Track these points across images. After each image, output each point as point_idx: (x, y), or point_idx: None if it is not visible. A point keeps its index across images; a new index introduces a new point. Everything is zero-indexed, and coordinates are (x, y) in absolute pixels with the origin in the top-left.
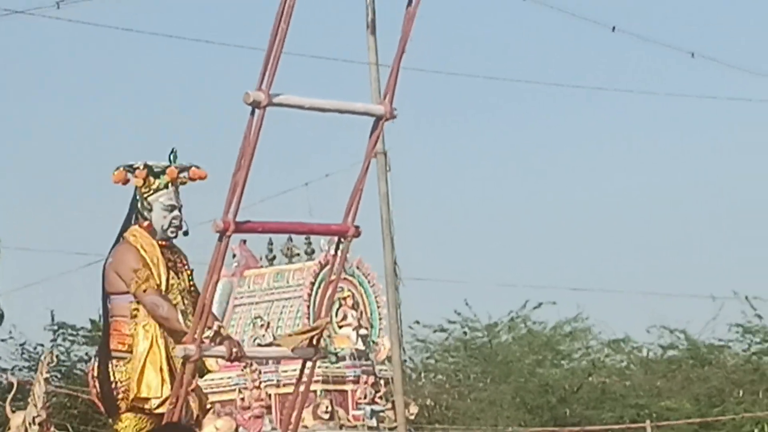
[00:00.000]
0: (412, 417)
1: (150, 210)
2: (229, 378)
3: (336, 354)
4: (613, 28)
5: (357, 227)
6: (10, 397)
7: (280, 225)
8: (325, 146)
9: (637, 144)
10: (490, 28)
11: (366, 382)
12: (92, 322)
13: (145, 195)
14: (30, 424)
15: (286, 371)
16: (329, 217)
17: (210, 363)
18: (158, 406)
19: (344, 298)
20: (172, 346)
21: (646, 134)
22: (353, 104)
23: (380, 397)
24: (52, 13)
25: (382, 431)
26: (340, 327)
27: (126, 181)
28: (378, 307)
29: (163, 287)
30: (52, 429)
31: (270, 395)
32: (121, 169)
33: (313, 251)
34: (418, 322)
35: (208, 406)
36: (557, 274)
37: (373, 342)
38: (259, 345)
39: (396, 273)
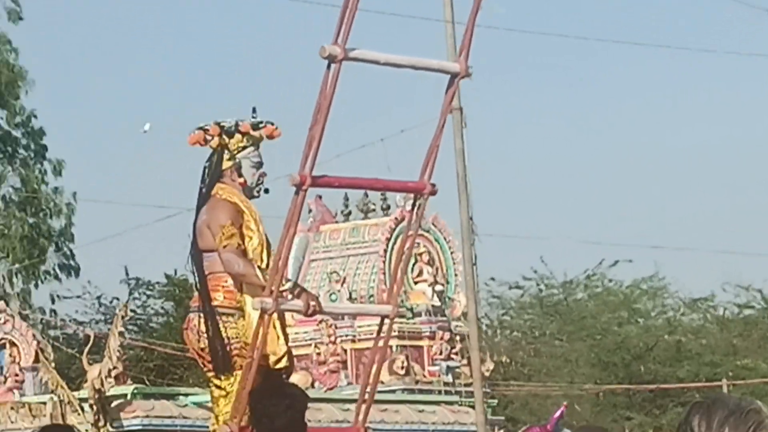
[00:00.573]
0: (488, 373)
1: (240, 167)
2: (305, 333)
3: (412, 309)
4: None
5: (433, 185)
6: (86, 350)
7: (356, 180)
8: (401, 102)
9: (714, 99)
10: None
11: (442, 338)
12: (167, 276)
13: (235, 153)
14: (106, 376)
15: (361, 327)
16: (405, 172)
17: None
18: (277, 362)
19: (420, 254)
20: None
21: (721, 94)
22: (428, 61)
23: (456, 353)
24: None
25: (458, 387)
26: (416, 283)
27: (205, 142)
28: (454, 263)
29: (264, 243)
30: (129, 381)
31: (346, 350)
32: (197, 131)
33: (389, 207)
34: (493, 279)
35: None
36: (634, 231)
37: (449, 298)
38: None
39: (472, 229)
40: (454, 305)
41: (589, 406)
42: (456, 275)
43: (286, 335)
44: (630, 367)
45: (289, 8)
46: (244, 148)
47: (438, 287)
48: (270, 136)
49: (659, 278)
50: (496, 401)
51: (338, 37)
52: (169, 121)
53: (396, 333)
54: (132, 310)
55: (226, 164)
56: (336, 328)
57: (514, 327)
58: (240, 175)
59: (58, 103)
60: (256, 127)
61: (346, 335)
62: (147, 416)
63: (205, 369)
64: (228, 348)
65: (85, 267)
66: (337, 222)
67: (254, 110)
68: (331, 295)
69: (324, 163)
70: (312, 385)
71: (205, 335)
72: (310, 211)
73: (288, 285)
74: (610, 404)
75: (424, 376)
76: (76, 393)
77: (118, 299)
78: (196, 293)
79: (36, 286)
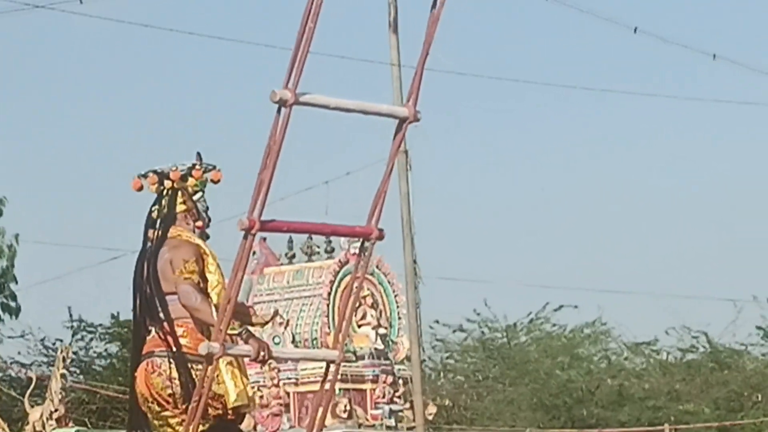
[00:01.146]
0: (431, 417)
1: (198, 211)
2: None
3: (355, 353)
4: (635, 29)
5: (381, 230)
6: (28, 392)
7: (305, 225)
8: (346, 145)
9: (657, 146)
10: (512, 29)
11: (385, 382)
12: (114, 317)
13: (191, 196)
14: (48, 418)
15: (305, 370)
16: (349, 215)
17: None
18: (237, 404)
19: (364, 297)
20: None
21: (665, 137)
22: (378, 105)
23: (399, 397)
24: (75, 8)
25: (401, 431)
26: (360, 326)
27: (141, 188)
28: (397, 306)
29: (223, 286)
30: (71, 424)
31: (288, 393)
32: (136, 177)
33: (332, 249)
34: (437, 322)
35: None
36: (578, 275)
37: (393, 341)
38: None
39: (416, 272)
40: (398, 348)
41: None
42: (399, 318)
43: (247, 377)
44: (572, 411)
45: (238, 51)
46: (195, 192)
47: (381, 330)
48: (215, 181)
49: (602, 322)
50: None
51: (289, 80)
52: (113, 164)
53: (339, 376)
54: (74, 352)
55: (180, 207)
56: (279, 371)
57: (458, 370)
58: (198, 219)
59: None
60: (206, 170)
61: (289, 378)
62: None
63: (167, 414)
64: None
65: (28, 308)
66: (281, 265)
67: (199, 155)
68: (274, 338)
69: (268, 205)
70: (254, 429)
71: (177, 381)
72: (254, 253)
73: (237, 330)
74: None
75: (367, 420)
76: None
77: (61, 341)
78: (151, 337)
79: None
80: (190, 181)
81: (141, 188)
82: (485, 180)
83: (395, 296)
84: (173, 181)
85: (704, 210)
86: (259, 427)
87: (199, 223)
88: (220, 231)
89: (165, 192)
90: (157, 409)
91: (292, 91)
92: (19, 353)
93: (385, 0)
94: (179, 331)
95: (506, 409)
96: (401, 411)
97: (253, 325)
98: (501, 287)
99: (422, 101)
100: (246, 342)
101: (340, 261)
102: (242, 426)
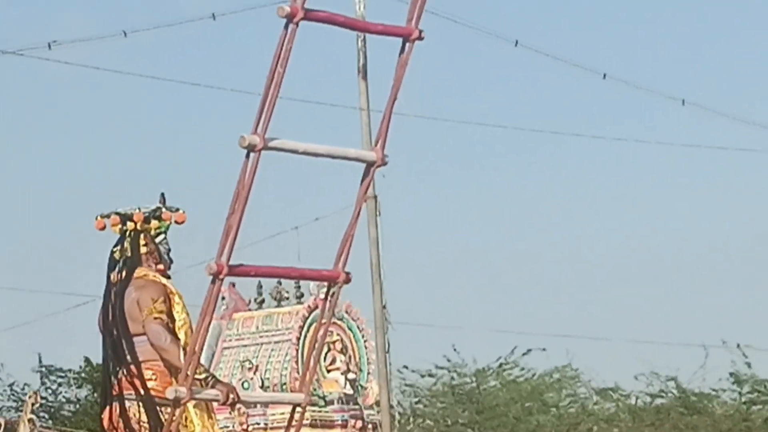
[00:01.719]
0: None
1: (160, 253)
2: (217, 420)
3: (324, 398)
4: (604, 75)
5: (347, 273)
6: None
7: (273, 269)
8: (316, 190)
9: (626, 192)
10: (482, 74)
11: (354, 426)
12: (87, 359)
13: (154, 238)
14: None
15: (274, 415)
16: (319, 261)
17: None
18: None
19: (333, 342)
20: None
21: (634, 182)
22: (346, 150)
23: None
24: (44, 54)
25: None
26: (329, 371)
27: (103, 228)
28: (367, 351)
29: (190, 327)
30: None
31: None
32: (99, 217)
33: (302, 295)
34: (406, 367)
35: None
36: (547, 321)
37: (362, 386)
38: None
39: (385, 317)
40: (367, 393)
41: None
42: (369, 363)
43: (216, 420)
44: None
45: (207, 96)
46: (158, 234)
47: (351, 375)
48: (179, 222)
49: (572, 367)
50: None
51: (258, 126)
52: (79, 208)
53: (308, 421)
54: (43, 398)
55: (142, 249)
56: (248, 416)
57: (427, 415)
58: (159, 261)
59: None
60: (171, 212)
61: (258, 423)
62: None
63: None
64: None
65: None
66: (250, 310)
67: (163, 196)
68: (243, 383)
69: (237, 250)
70: None
71: (147, 425)
72: (223, 298)
73: (203, 375)
74: None
75: None
76: None
77: (29, 386)
78: (119, 380)
79: None
80: (153, 223)
81: (104, 228)
82: (454, 225)
83: (364, 341)
84: (136, 223)
85: (672, 255)
86: None
87: (161, 266)
88: (189, 276)
89: (127, 233)
90: None
91: (260, 136)
92: None
93: (354, 46)
94: (148, 373)
95: None
96: None
97: None
98: (470, 332)
99: (391, 146)
100: (213, 386)
101: (309, 306)
102: None
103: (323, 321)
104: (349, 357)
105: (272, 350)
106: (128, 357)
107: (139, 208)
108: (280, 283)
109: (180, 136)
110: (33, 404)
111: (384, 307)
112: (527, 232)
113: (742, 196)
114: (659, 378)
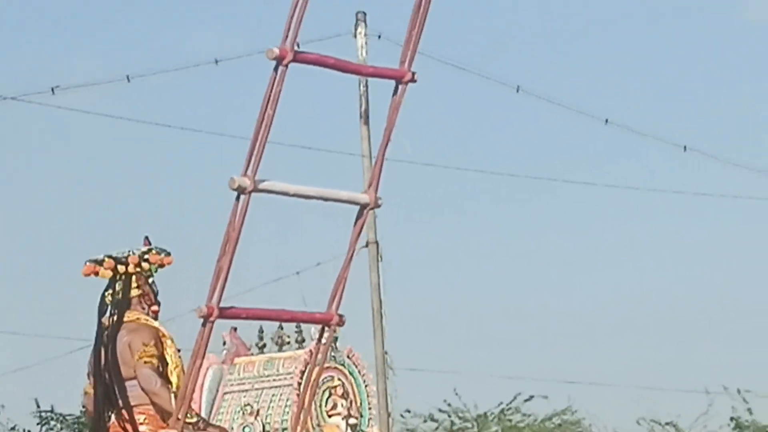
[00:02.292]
0: None
1: (155, 294)
2: None
3: None
4: (606, 120)
5: (341, 316)
6: None
7: (264, 312)
8: (317, 235)
9: (628, 239)
10: (484, 120)
11: None
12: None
13: (147, 278)
14: None
15: None
16: (321, 305)
17: None
18: None
19: (334, 387)
20: None
21: (636, 230)
22: (338, 192)
23: None
24: (46, 99)
25: None
26: (330, 416)
27: (96, 273)
28: (368, 396)
29: (182, 370)
30: None
31: None
32: (89, 263)
33: (303, 340)
34: (408, 411)
35: None
36: (549, 366)
37: (363, 431)
38: None
39: (386, 362)
40: None
41: None
42: (370, 408)
43: None
44: None
45: (209, 141)
46: (149, 276)
47: (352, 420)
48: (164, 265)
49: (573, 412)
50: None
51: (248, 168)
52: (77, 250)
53: None
54: None
55: (134, 292)
56: None
57: None
58: (154, 303)
59: None
60: (161, 254)
61: None
62: None
63: None
64: None
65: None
66: (251, 354)
67: (147, 238)
68: (244, 428)
69: (238, 296)
70: None
71: None
72: (224, 343)
73: (194, 419)
74: None
75: None
76: None
77: (29, 431)
78: (111, 424)
79: None
80: (145, 265)
81: (96, 274)
82: (456, 271)
83: (366, 386)
84: (127, 266)
85: (674, 301)
86: None
87: (155, 308)
88: (183, 321)
89: (119, 277)
90: None
91: (250, 178)
92: None
93: (356, 92)
94: (140, 418)
95: None
96: None
97: None
98: (471, 377)
99: (392, 192)
100: (204, 430)
101: (310, 351)
102: None
103: (317, 364)
104: (351, 402)
105: (273, 395)
106: (120, 401)
107: (132, 251)
108: (281, 327)
109: (182, 181)
110: None
111: (385, 352)
112: (528, 279)
113: (745, 244)
114: (660, 424)
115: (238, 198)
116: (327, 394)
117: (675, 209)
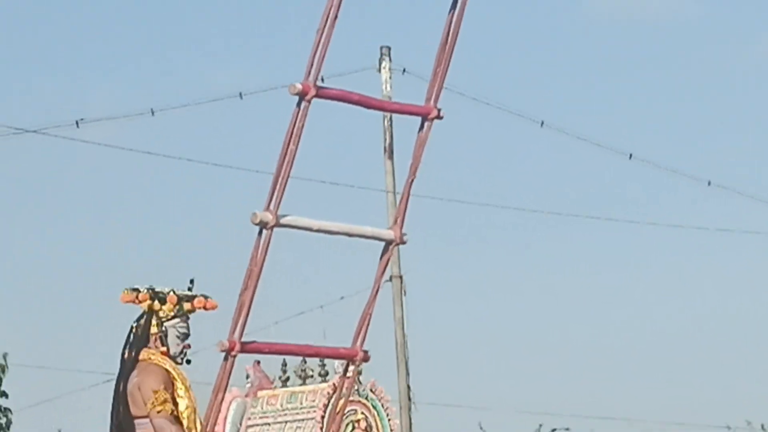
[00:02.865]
0: None
1: (166, 335)
2: None
3: None
4: (630, 155)
5: (365, 352)
6: None
7: (287, 346)
8: (341, 269)
9: (651, 274)
10: (507, 154)
11: None
12: None
13: (163, 320)
14: None
15: None
16: (344, 340)
17: None
18: None
19: (357, 421)
20: None
21: (659, 265)
22: (363, 228)
23: None
24: (71, 132)
25: None
26: None
27: (133, 302)
28: (391, 430)
29: (194, 410)
30: None
31: None
32: (127, 290)
33: (327, 373)
34: None
35: None
36: (571, 401)
37: None
38: None
39: (410, 397)
40: None
41: None
42: None
43: None
44: None
45: (223, 174)
46: (174, 317)
47: None
48: (204, 308)
49: None
50: None
51: (270, 203)
52: (92, 284)
53: None
54: None
55: (153, 329)
56: None
57: None
58: (163, 344)
59: None
60: (184, 299)
61: None
62: None
63: None
64: None
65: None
66: (275, 388)
67: (192, 282)
68: None
69: (262, 330)
70: None
71: None
72: (247, 376)
73: None
74: None
75: None
76: None
77: None
78: None
79: None
80: (167, 305)
81: (133, 302)
82: (480, 305)
83: (389, 420)
84: (162, 303)
85: (697, 336)
86: None
87: (163, 350)
88: (208, 354)
89: (149, 311)
90: None
91: (273, 212)
92: None
93: (380, 126)
94: None
95: None
96: None
97: None
98: (495, 412)
99: (417, 227)
100: None
101: (333, 384)
102: None
103: (341, 399)
104: None
105: (297, 428)
106: None
107: (173, 290)
108: (305, 361)
109: (205, 215)
110: None
111: (409, 386)
112: (552, 313)
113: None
114: None
115: (260, 233)
116: (350, 427)
117: (698, 245)
